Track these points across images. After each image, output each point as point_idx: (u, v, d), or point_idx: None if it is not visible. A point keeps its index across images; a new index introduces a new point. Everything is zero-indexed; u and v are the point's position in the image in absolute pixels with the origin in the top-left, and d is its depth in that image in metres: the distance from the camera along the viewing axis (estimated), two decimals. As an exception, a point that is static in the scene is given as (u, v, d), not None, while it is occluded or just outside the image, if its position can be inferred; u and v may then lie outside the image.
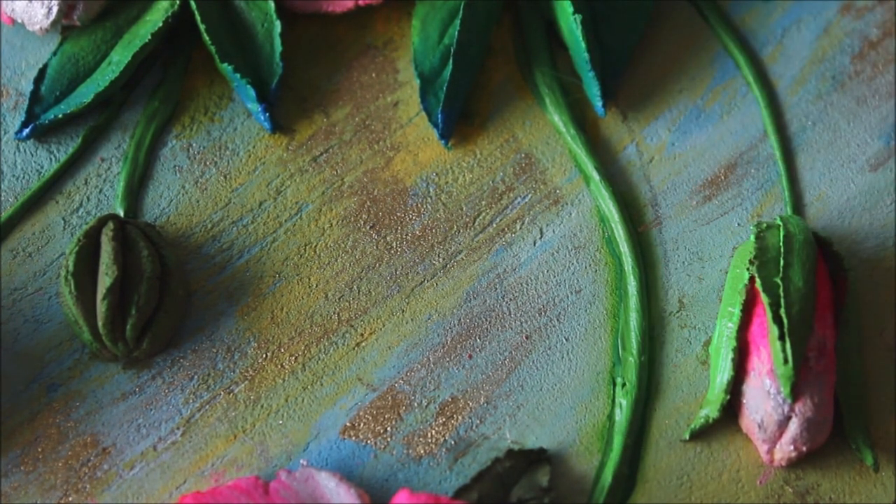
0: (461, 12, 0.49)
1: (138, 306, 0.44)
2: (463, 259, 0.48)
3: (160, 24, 0.48)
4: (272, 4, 0.49)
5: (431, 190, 0.49)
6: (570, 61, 0.51)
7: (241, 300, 0.47)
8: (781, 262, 0.45)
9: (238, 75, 0.48)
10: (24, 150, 0.48)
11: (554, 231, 0.48)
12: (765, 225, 0.46)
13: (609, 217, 0.48)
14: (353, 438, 0.45)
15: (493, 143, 0.50)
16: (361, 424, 0.45)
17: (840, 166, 0.50)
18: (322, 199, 0.48)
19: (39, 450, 0.44)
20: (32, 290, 0.46)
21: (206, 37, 0.49)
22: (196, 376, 0.45)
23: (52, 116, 0.48)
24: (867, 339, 0.47)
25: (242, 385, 0.45)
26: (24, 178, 0.48)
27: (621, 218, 0.48)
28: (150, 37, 0.48)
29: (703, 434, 0.45)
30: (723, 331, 0.46)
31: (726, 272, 0.47)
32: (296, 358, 0.46)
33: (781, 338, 0.43)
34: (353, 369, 0.46)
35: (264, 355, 0.46)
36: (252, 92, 0.49)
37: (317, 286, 0.47)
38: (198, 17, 0.49)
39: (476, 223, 0.48)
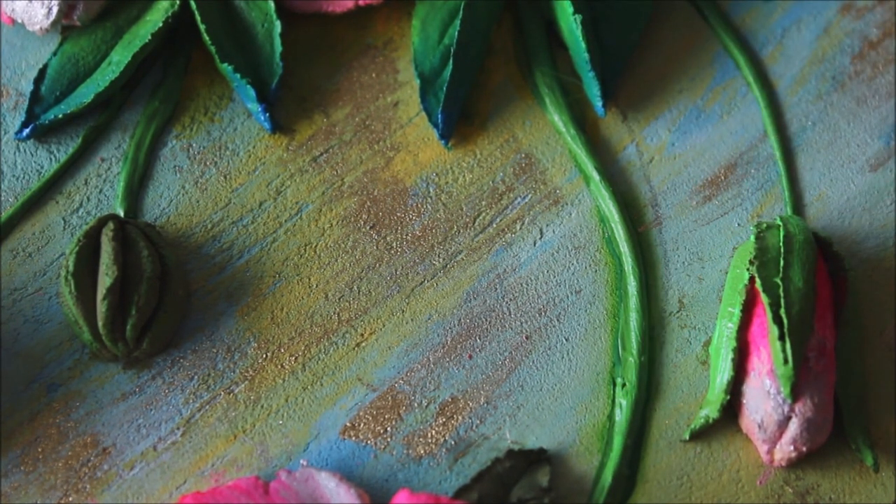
0: (461, 12, 0.49)
1: (138, 306, 0.44)
2: (463, 259, 0.48)
3: (160, 24, 0.48)
4: (272, 4, 0.49)
5: (431, 190, 0.49)
6: (570, 61, 0.51)
7: (241, 300, 0.47)
8: (781, 263, 0.45)
9: (238, 75, 0.48)
10: (24, 150, 0.48)
11: (554, 231, 0.48)
12: (765, 225, 0.46)
13: (609, 217, 0.48)
14: (353, 438, 0.45)
15: (493, 143, 0.50)
16: (361, 424, 0.45)
17: (840, 166, 0.50)
18: (322, 200, 0.48)
19: (39, 450, 0.44)
20: (32, 290, 0.46)
21: (206, 37, 0.49)
22: (196, 376, 0.45)
23: (52, 116, 0.48)
24: (867, 339, 0.47)
25: (242, 385, 0.45)
26: (24, 178, 0.48)
27: (621, 218, 0.48)
28: (150, 37, 0.48)
29: (703, 434, 0.45)
30: (723, 331, 0.46)
31: (726, 272, 0.47)
32: (296, 358, 0.46)
33: (781, 338, 0.43)
34: (353, 369, 0.46)
35: (264, 355, 0.46)
36: (252, 92, 0.49)
37: (317, 286, 0.47)
38: (198, 17, 0.49)
39: (476, 223, 0.48)
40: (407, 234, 0.48)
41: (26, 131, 0.48)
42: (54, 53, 0.49)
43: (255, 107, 0.49)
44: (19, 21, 0.49)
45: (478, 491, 0.43)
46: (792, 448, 0.44)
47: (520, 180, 0.49)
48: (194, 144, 0.49)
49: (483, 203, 0.49)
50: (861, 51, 0.52)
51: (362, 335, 0.46)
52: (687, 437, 0.45)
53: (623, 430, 0.45)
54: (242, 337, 0.46)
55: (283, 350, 0.46)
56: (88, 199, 0.48)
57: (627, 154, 0.50)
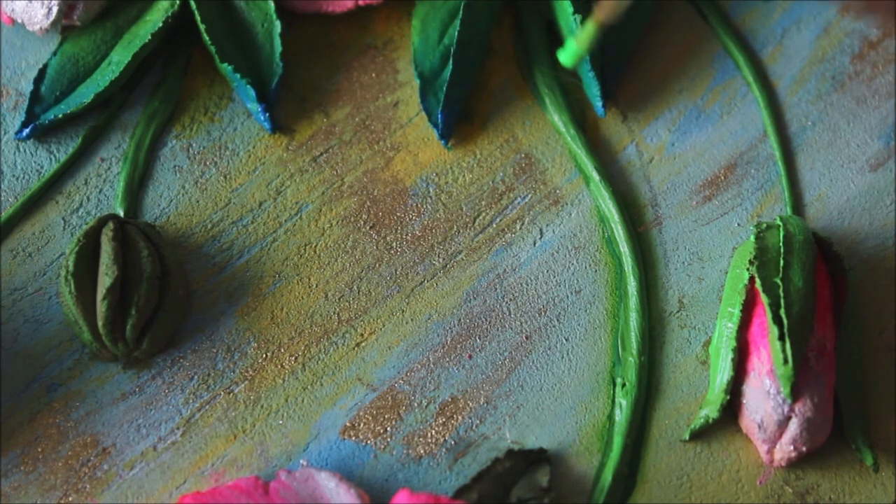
0: (461, 12, 0.49)
1: (138, 306, 0.44)
2: (463, 259, 0.48)
3: (160, 24, 0.48)
4: (272, 4, 0.50)
5: (431, 190, 0.49)
6: (570, 61, 0.51)
7: (241, 300, 0.47)
8: (781, 263, 0.45)
9: (238, 75, 0.48)
10: (24, 150, 0.48)
11: (554, 231, 0.48)
12: (765, 225, 0.46)
13: (609, 217, 0.48)
14: (353, 438, 0.45)
15: (493, 143, 0.50)
16: (361, 424, 0.45)
17: (840, 166, 0.50)
18: (322, 199, 0.48)
19: (39, 450, 0.44)
20: (32, 290, 0.46)
21: (206, 37, 0.49)
22: (196, 376, 0.45)
23: (52, 116, 0.48)
24: (867, 339, 0.47)
25: (242, 385, 0.45)
26: (24, 178, 0.48)
27: (621, 218, 0.48)
28: (150, 37, 0.48)
29: (703, 434, 0.45)
30: (723, 331, 0.46)
31: (726, 272, 0.47)
32: (296, 358, 0.46)
33: (781, 338, 0.43)
34: (353, 369, 0.46)
35: (264, 355, 0.46)
36: (252, 92, 0.49)
37: (317, 286, 0.47)
38: (198, 17, 0.49)
39: (476, 223, 0.48)
40: (407, 234, 0.48)
41: (26, 131, 0.48)
42: (54, 53, 0.49)
43: (255, 107, 0.49)
44: (19, 21, 0.49)
45: (478, 491, 0.43)
46: (792, 448, 0.44)
47: (520, 180, 0.49)
48: (194, 144, 0.49)
49: (483, 203, 0.49)
50: (861, 51, 0.52)
51: (362, 335, 0.46)
52: (687, 437, 0.45)
53: (623, 430, 0.45)
54: (242, 337, 0.46)
55: (283, 350, 0.46)
56: (88, 199, 0.48)
57: (627, 154, 0.50)
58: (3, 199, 0.47)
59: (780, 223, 0.46)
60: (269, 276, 0.47)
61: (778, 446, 0.44)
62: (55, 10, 0.48)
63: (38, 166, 0.48)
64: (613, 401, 0.46)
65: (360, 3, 0.50)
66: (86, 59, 0.49)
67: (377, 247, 0.48)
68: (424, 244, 0.48)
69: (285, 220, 0.48)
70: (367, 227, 0.48)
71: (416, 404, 0.45)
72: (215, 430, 0.45)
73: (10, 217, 0.47)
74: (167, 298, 0.45)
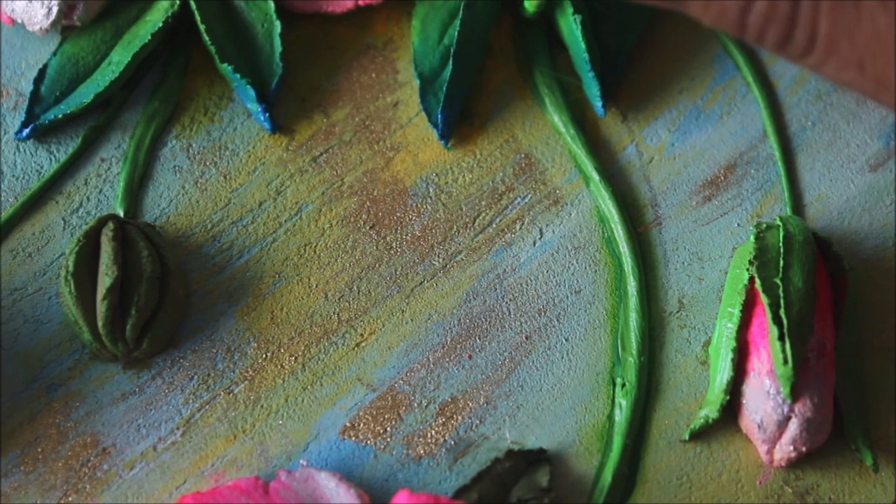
0: (461, 12, 0.49)
1: (138, 306, 0.44)
2: (463, 259, 0.48)
3: (160, 24, 0.48)
4: (272, 4, 0.49)
5: (431, 190, 0.49)
6: (570, 61, 0.51)
7: (241, 300, 0.47)
8: (781, 263, 0.45)
9: (238, 75, 0.48)
10: (24, 151, 0.48)
11: (554, 231, 0.48)
12: (764, 225, 0.46)
13: (609, 217, 0.48)
14: (353, 438, 0.45)
15: (493, 143, 0.50)
16: (361, 424, 0.45)
17: (840, 166, 0.50)
18: (322, 200, 0.48)
19: (39, 450, 0.44)
20: (32, 290, 0.46)
21: (206, 37, 0.49)
22: (196, 376, 0.45)
23: (52, 116, 0.48)
24: (867, 339, 0.47)
25: (242, 385, 0.45)
26: (23, 178, 0.48)
27: (621, 218, 0.48)
28: (150, 37, 0.48)
29: (702, 434, 0.45)
30: (722, 331, 0.46)
31: (726, 272, 0.47)
32: (296, 358, 0.46)
33: (781, 338, 0.43)
34: (352, 369, 0.46)
35: (264, 355, 0.46)
36: (252, 92, 0.49)
37: (317, 286, 0.47)
38: (198, 18, 0.49)
39: (476, 223, 0.48)
40: (407, 234, 0.48)
41: (26, 131, 0.48)
42: (54, 53, 0.49)
43: (254, 107, 0.49)
44: (19, 21, 0.49)
45: (477, 491, 0.43)
46: (791, 448, 0.44)
47: (520, 180, 0.49)
48: (194, 144, 0.49)
49: (483, 203, 0.49)
50: (861, 51, 0.52)
51: (362, 335, 0.46)
52: (687, 438, 0.45)
53: (623, 430, 0.45)
54: (242, 337, 0.46)
55: (282, 350, 0.46)
56: (88, 199, 0.48)
57: (627, 154, 0.50)
58: (3, 199, 0.47)
59: (780, 223, 0.46)
60: (269, 277, 0.47)
61: (778, 446, 0.44)
62: (55, 10, 0.48)
63: (38, 166, 0.48)
64: (613, 401, 0.46)
65: (360, 3, 0.50)
66: (86, 60, 0.49)
67: (377, 247, 0.48)
68: (424, 244, 0.48)
69: (285, 221, 0.48)
70: (367, 228, 0.48)
71: (415, 404, 0.45)
72: (215, 431, 0.45)
73: (10, 217, 0.47)
74: (167, 298, 0.45)
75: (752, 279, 0.45)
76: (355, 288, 0.47)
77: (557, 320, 0.47)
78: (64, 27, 0.49)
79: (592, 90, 0.50)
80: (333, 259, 0.47)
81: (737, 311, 0.45)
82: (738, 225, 0.49)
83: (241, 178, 0.49)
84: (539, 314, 0.47)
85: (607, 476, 0.44)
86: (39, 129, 0.48)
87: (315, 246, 0.48)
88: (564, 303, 0.47)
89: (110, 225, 0.45)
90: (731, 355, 0.45)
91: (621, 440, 0.45)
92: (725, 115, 0.50)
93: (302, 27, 0.51)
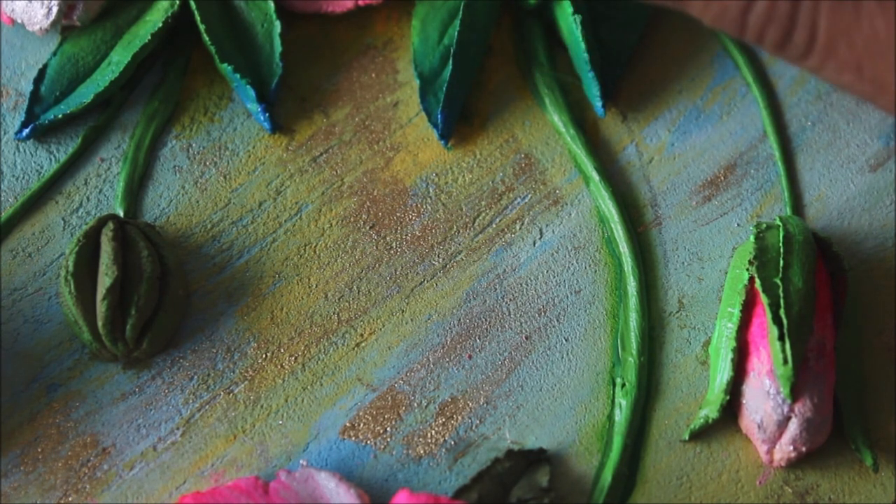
0: (461, 12, 0.49)
1: (138, 306, 0.44)
2: (463, 259, 0.48)
3: (160, 24, 0.48)
4: (272, 4, 0.49)
5: (431, 190, 0.49)
6: (570, 61, 0.51)
7: (241, 300, 0.47)
8: (781, 263, 0.45)
9: (238, 75, 0.48)
10: (24, 151, 0.48)
11: (554, 231, 0.48)
12: (764, 225, 0.46)
13: (609, 217, 0.48)
14: (353, 438, 0.45)
15: (493, 143, 0.50)
16: (361, 424, 0.45)
17: (840, 166, 0.50)
18: (322, 200, 0.48)
19: (39, 450, 0.44)
20: (32, 290, 0.46)
21: (206, 37, 0.49)
22: (196, 376, 0.45)
23: (52, 116, 0.48)
24: (867, 339, 0.47)
25: (242, 385, 0.45)
26: (23, 178, 0.48)
27: (621, 218, 0.48)
28: (150, 37, 0.48)
29: (702, 434, 0.45)
30: (722, 331, 0.46)
31: (726, 272, 0.47)
32: (296, 358, 0.46)
33: (781, 338, 0.43)
34: (352, 369, 0.46)
35: (264, 355, 0.46)
36: (252, 92, 0.49)
37: (317, 286, 0.47)
38: (198, 17, 0.49)
39: (476, 223, 0.48)
40: (407, 234, 0.48)
41: (26, 131, 0.48)
42: (54, 53, 0.49)
43: (254, 107, 0.49)
44: (19, 21, 0.49)
45: (477, 491, 0.43)
46: (791, 448, 0.44)
47: (520, 180, 0.49)
48: (194, 144, 0.49)
49: (483, 203, 0.49)
50: (861, 51, 0.52)
51: (362, 335, 0.46)
52: (686, 438, 0.45)
53: (623, 430, 0.45)
54: (242, 337, 0.46)
55: (282, 350, 0.46)
56: (88, 199, 0.48)
57: (627, 154, 0.50)
58: (3, 199, 0.47)
59: (780, 223, 0.46)
60: (269, 277, 0.47)
61: (778, 446, 0.44)
62: (55, 10, 0.48)
63: (38, 166, 0.48)
64: (613, 401, 0.46)
65: (360, 3, 0.50)
66: (86, 60, 0.49)
67: (377, 247, 0.48)
68: (424, 244, 0.48)
69: (285, 221, 0.48)
70: (367, 228, 0.48)
71: (415, 404, 0.45)
72: (215, 431, 0.45)
73: (10, 217, 0.47)
74: (167, 298, 0.45)
75: (752, 279, 0.45)
76: (355, 288, 0.47)
77: (557, 320, 0.47)
78: (64, 27, 0.49)
79: (592, 90, 0.50)
80: (333, 259, 0.47)
81: (737, 311, 0.45)
82: (738, 225, 0.49)
83: (241, 178, 0.49)
84: (539, 314, 0.47)
85: (607, 476, 0.44)
86: (39, 129, 0.48)
87: (315, 246, 0.48)
88: (564, 303, 0.47)
89: (110, 225, 0.45)
90: (731, 355, 0.45)
91: (621, 440, 0.45)
92: (725, 115, 0.50)
93: (302, 27, 0.51)
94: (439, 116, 0.49)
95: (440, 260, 0.48)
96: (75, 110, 0.48)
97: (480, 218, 0.48)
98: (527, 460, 0.44)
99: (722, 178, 0.49)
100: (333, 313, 0.47)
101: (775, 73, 0.51)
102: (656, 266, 0.48)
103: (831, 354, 0.45)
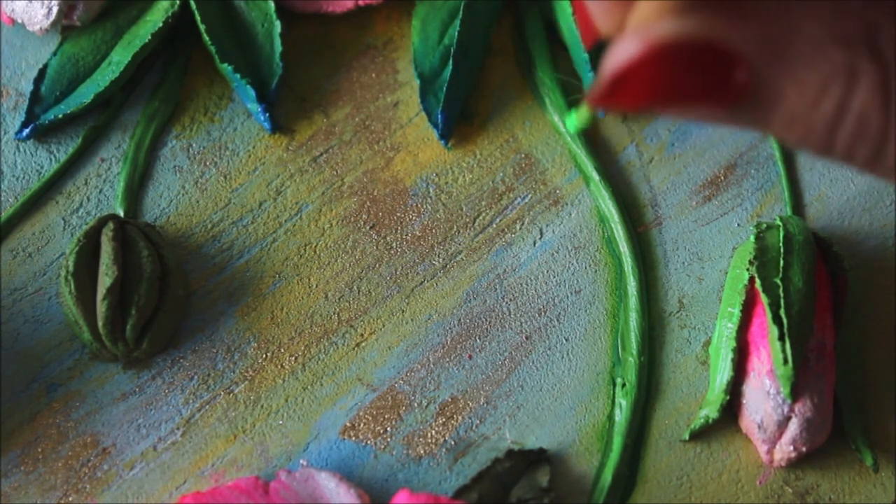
0: (461, 12, 0.49)
1: (138, 306, 0.44)
2: (463, 259, 0.48)
3: (160, 24, 0.48)
4: (272, 4, 0.50)
5: (431, 190, 0.49)
6: (570, 61, 0.51)
7: (241, 300, 0.47)
8: (781, 263, 0.45)
9: (238, 75, 0.48)
10: (24, 151, 0.48)
11: (554, 231, 0.48)
12: (765, 225, 0.46)
13: (609, 217, 0.48)
14: (353, 438, 0.45)
15: (493, 143, 0.50)
16: (361, 424, 0.45)
17: (840, 166, 0.50)
18: (322, 200, 0.48)
19: (39, 450, 0.44)
20: (32, 290, 0.46)
21: (206, 37, 0.49)
22: (196, 376, 0.45)
23: (52, 117, 0.48)
24: (867, 339, 0.47)
25: (242, 385, 0.45)
26: (24, 178, 0.48)
27: (621, 218, 0.48)
28: (150, 37, 0.48)
29: (702, 434, 0.45)
30: (723, 331, 0.46)
31: (726, 272, 0.47)
32: (296, 358, 0.46)
33: (781, 338, 0.43)
34: (353, 369, 0.46)
35: (264, 355, 0.46)
36: (252, 92, 0.49)
37: (317, 286, 0.47)
38: (198, 18, 0.49)
39: (476, 223, 0.48)
40: (407, 234, 0.48)
41: (26, 131, 0.48)
42: (54, 53, 0.49)
43: (254, 107, 0.49)
44: (19, 21, 0.49)
45: (478, 491, 0.43)
46: (792, 448, 0.44)
47: (520, 180, 0.49)
48: (194, 144, 0.49)
49: (483, 203, 0.49)
50: (861, 51, 0.52)
51: (362, 335, 0.46)
52: (687, 438, 0.45)
53: (623, 430, 0.45)
54: (242, 337, 0.46)
55: (283, 350, 0.46)
56: (88, 199, 0.48)
57: (627, 154, 0.50)
58: (3, 199, 0.47)
59: (780, 223, 0.46)
60: (269, 277, 0.47)
61: (778, 446, 0.44)
62: (55, 10, 0.48)
63: (38, 166, 0.48)
64: (613, 401, 0.46)
65: (360, 3, 0.50)
66: (86, 60, 0.49)
67: (377, 247, 0.48)
68: (424, 244, 0.48)
69: (285, 221, 0.48)
70: (367, 228, 0.48)
71: (416, 404, 0.45)
72: (215, 431, 0.45)
73: (10, 217, 0.47)
74: (167, 298, 0.45)
75: (752, 279, 0.45)
76: (355, 288, 0.47)
77: (557, 320, 0.47)
78: (64, 27, 0.49)
79: (592, 90, 0.50)
80: (333, 259, 0.47)
81: (737, 311, 0.45)
82: (738, 225, 0.49)
83: (242, 178, 0.49)
84: (539, 314, 0.47)
85: (607, 476, 0.44)
86: (39, 129, 0.48)
87: (315, 246, 0.48)
88: (564, 303, 0.47)
89: (110, 225, 0.45)
90: (731, 355, 0.45)
91: (621, 440, 0.45)
92: (725, 115, 0.50)
93: (302, 27, 0.51)
94: (439, 116, 0.49)
95: (440, 260, 0.48)
96: (75, 110, 0.48)
97: (481, 218, 0.48)
98: (527, 460, 0.44)
99: (722, 178, 0.49)
100: (333, 313, 0.47)
101: (775, 73, 0.51)
102: (656, 266, 0.48)
103: (831, 354, 0.45)
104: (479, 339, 0.46)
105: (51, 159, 0.48)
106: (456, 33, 0.49)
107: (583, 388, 0.46)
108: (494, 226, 0.48)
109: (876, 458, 0.45)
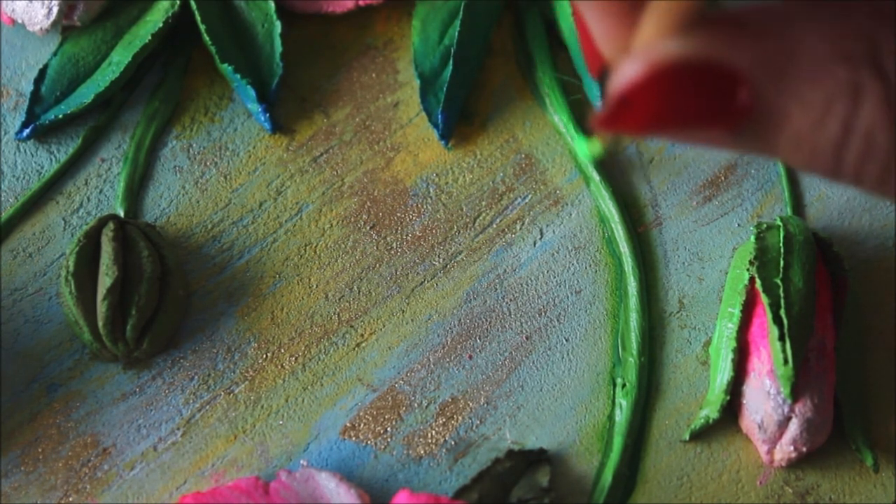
0: (461, 12, 0.49)
1: (138, 306, 0.44)
2: (463, 259, 0.48)
3: (160, 25, 0.48)
4: (272, 4, 0.50)
5: (431, 190, 0.49)
6: (570, 61, 0.51)
7: (241, 300, 0.47)
8: (781, 263, 0.45)
9: (238, 75, 0.48)
10: (24, 151, 0.48)
11: (554, 231, 0.48)
12: (765, 225, 0.46)
13: (609, 217, 0.48)
14: (353, 439, 0.45)
15: (493, 143, 0.50)
16: (361, 425, 0.45)
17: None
18: (322, 200, 0.48)
19: (39, 450, 0.44)
20: (33, 290, 0.46)
21: (206, 37, 0.49)
22: (196, 376, 0.45)
23: (53, 117, 0.48)
24: (867, 339, 0.47)
25: (242, 385, 0.45)
26: (24, 178, 0.48)
27: (621, 218, 0.48)
28: (150, 37, 0.48)
29: (703, 434, 0.45)
30: (723, 331, 0.46)
31: (726, 272, 0.47)
32: (296, 358, 0.46)
33: (781, 338, 0.43)
34: (353, 369, 0.46)
35: (264, 355, 0.46)
36: (252, 92, 0.49)
37: (317, 286, 0.47)
38: (198, 18, 0.49)
39: (476, 223, 0.48)
40: (407, 235, 0.48)
41: (26, 131, 0.48)
42: (54, 53, 0.49)
43: (255, 107, 0.49)
44: (19, 21, 0.49)
45: (478, 491, 0.43)
46: (792, 448, 0.44)
47: (520, 180, 0.49)
48: (194, 144, 0.49)
49: (483, 203, 0.49)
50: (861, 51, 0.52)
51: (362, 335, 0.46)
52: (687, 438, 0.45)
53: (623, 430, 0.45)
54: (242, 337, 0.46)
55: (283, 350, 0.46)
56: (88, 199, 0.48)
57: (627, 154, 0.50)
58: (3, 199, 0.47)
59: (781, 223, 0.46)
60: (270, 277, 0.47)
61: (778, 447, 0.44)
62: (55, 10, 0.48)
63: (39, 166, 0.48)
64: (613, 401, 0.46)
65: (360, 3, 0.50)
66: (86, 60, 0.49)
67: (377, 247, 0.48)
68: (424, 244, 0.48)
69: (285, 221, 0.48)
70: (368, 228, 0.48)
71: (416, 404, 0.45)
72: (215, 431, 0.45)
73: (10, 217, 0.47)
74: (167, 299, 0.45)
75: (752, 279, 0.45)
76: (355, 288, 0.47)
77: (558, 320, 0.47)
78: (64, 27, 0.49)
79: (592, 90, 0.50)
80: (334, 259, 0.47)
81: (737, 312, 0.45)
82: (739, 225, 0.49)
83: (242, 178, 0.49)
84: (539, 314, 0.47)
85: (607, 476, 0.44)
86: (40, 130, 0.48)
87: (315, 246, 0.48)
88: (565, 303, 0.47)
89: (111, 225, 0.45)
90: (731, 355, 0.45)
91: (621, 440, 0.45)
92: (725, 115, 0.50)
93: (302, 27, 0.51)
94: (439, 116, 0.49)
95: (440, 260, 0.48)
96: (76, 110, 0.48)
97: (481, 218, 0.48)
98: (527, 460, 0.44)
99: (722, 178, 0.49)
100: (334, 313, 0.47)
101: (775, 74, 0.51)
102: (657, 266, 0.48)
103: (832, 354, 0.45)
104: (480, 339, 0.46)
105: (51, 159, 0.48)
106: (456, 33, 0.49)
107: (583, 389, 0.46)
108: (494, 226, 0.48)
109: (876, 458, 0.45)
